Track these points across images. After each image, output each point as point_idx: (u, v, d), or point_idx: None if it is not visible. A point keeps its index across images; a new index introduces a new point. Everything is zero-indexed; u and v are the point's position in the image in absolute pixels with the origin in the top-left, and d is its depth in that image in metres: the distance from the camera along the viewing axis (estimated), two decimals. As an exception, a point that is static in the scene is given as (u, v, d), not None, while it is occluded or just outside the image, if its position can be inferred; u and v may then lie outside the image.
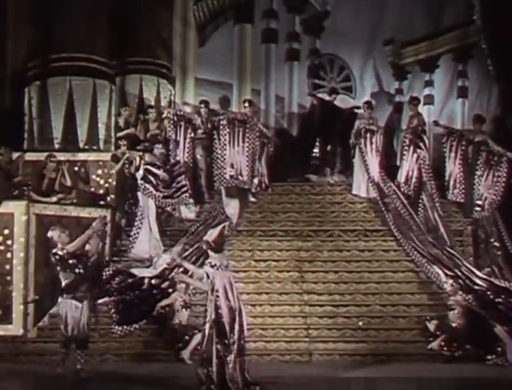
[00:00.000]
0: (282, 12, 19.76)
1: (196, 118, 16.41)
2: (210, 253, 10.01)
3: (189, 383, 10.90)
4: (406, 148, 16.09)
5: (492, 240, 15.20)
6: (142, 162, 16.54)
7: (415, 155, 15.96)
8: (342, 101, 18.20)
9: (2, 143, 15.34)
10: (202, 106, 16.67)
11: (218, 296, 9.77)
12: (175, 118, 16.07)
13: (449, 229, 15.21)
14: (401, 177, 16.04)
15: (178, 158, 15.80)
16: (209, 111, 16.71)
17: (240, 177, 15.74)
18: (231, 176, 15.66)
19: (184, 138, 16.00)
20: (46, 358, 13.16)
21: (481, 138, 15.99)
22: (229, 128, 15.74)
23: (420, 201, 15.66)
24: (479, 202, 15.49)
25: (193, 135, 16.12)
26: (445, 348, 12.90)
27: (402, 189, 15.85)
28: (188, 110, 16.87)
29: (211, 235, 10.06)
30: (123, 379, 11.69)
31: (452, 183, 16.04)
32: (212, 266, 9.84)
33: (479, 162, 15.73)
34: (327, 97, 17.79)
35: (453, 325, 13.13)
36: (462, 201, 15.89)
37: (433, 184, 15.76)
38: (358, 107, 17.19)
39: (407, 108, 17.75)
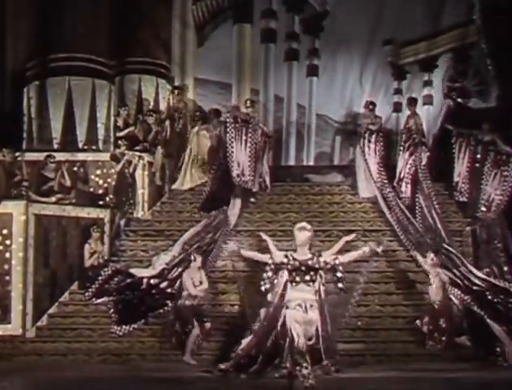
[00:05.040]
0: (281, 12, 19.73)
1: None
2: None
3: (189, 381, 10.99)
4: (402, 148, 16.17)
5: (495, 241, 15.17)
6: (141, 162, 16.58)
7: (412, 155, 16.01)
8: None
9: (2, 143, 15.36)
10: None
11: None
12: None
13: (447, 228, 15.17)
14: (398, 177, 16.07)
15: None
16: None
17: (243, 177, 15.74)
18: (237, 175, 15.66)
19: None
20: (45, 358, 13.18)
21: (490, 138, 15.99)
22: (234, 127, 15.74)
23: (417, 200, 15.66)
24: (486, 203, 15.46)
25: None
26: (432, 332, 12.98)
27: (399, 190, 15.87)
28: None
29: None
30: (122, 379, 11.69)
31: (460, 183, 16.07)
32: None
33: (487, 162, 15.73)
34: (459, 100, 17.97)
35: (435, 305, 13.16)
36: (467, 200, 15.91)
37: (429, 184, 15.77)
38: (491, 109, 17.32)
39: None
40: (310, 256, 10.08)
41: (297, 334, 9.92)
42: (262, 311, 11.07)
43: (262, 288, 10.53)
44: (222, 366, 11.20)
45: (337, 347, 10.94)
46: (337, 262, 10.09)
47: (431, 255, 13.72)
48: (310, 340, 9.92)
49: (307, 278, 9.96)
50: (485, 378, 11.48)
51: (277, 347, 10.28)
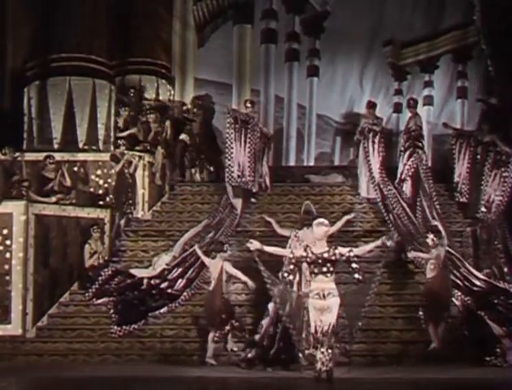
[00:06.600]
0: (281, 12, 19.73)
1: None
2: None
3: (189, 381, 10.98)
4: (403, 149, 16.21)
5: (496, 242, 15.15)
6: (141, 162, 16.58)
7: (412, 156, 16.04)
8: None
9: (2, 143, 15.36)
10: None
11: None
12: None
13: (448, 228, 15.18)
14: (399, 178, 16.09)
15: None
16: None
17: (243, 178, 15.75)
18: (238, 176, 15.67)
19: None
20: (45, 358, 13.18)
21: (489, 139, 16.01)
22: (233, 128, 15.75)
23: (418, 201, 15.67)
24: (486, 204, 15.45)
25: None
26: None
27: (400, 190, 15.89)
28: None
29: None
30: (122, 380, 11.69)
31: (460, 184, 16.10)
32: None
33: (487, 163, 15.73)
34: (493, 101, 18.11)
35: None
36: (467, 201, 15.93)
37: (431, 184, 15.83)
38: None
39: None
40: (326, 249, 10.66)
41: (314, 320, 10.59)
42: (276, 291, 11.67)
43: (285, 280, 11.41)
44: (249, 355, 12.45)
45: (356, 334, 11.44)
46: (352, 254, 10.68)
47: (431, 235, 13.70)
48: (327, 326, 10.52)
49: (324, 269, 10.61)
50: (485, 378, 11.49)
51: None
